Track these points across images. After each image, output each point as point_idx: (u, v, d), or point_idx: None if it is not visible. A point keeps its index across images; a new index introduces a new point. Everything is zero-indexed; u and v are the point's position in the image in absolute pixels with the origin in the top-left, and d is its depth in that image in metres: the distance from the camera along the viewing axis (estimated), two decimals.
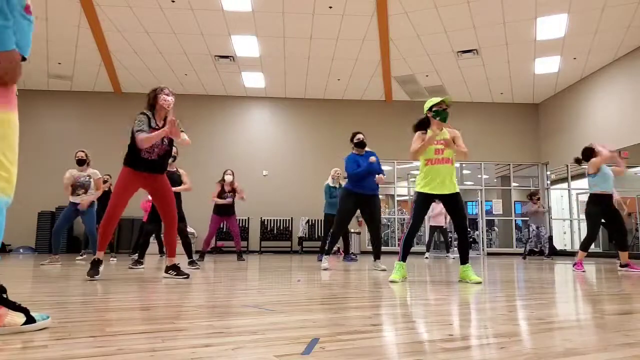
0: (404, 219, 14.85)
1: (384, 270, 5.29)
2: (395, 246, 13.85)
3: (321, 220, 11.11)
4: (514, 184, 14.40)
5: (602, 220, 5.78)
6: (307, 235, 12.87)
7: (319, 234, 12.67)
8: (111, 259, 7.52)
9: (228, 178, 7.55)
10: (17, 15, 1.57)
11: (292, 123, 13.88)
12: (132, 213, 9.74)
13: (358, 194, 5.45)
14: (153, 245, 8.29)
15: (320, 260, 7.79)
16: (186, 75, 12.55)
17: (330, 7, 9.62)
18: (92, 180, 6.66)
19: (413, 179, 14.96)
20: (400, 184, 13.97)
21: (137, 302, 2.49)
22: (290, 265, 6.32)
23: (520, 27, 10.04)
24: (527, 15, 9.63)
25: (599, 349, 1.44)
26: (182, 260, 6.07)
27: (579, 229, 13.21)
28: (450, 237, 11.30)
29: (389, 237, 16.08)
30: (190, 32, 10.54)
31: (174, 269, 4.10)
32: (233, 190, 7.57)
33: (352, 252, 8.79)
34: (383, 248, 14.53)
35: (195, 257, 6.20)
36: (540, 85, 12.84)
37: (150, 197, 4.40)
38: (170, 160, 5.84)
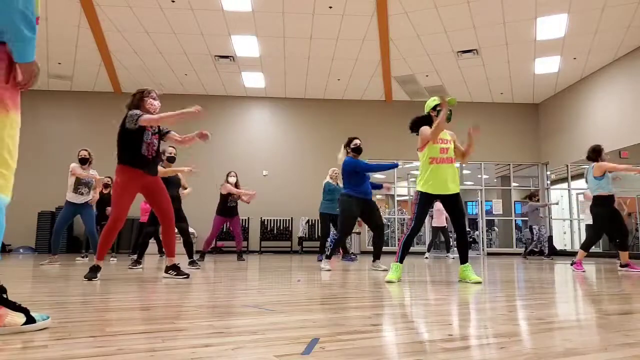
0: (404, 219, 14.85)
1: (385, 270, 5.29)
2: (395, 246, 13.83)
3: None
4: (514, 184, 14.40)
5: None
6: (307, 235, 12.87)
7: (319, 234, 12.65)
8: (111, 259, 7.52)
9: (232, 180, 7.53)
10: None
11: (292, 123, 13.88)
12: (132, 213, 9.70)
13: (360, 199, 5.46)
14: (152, 246, 8.29)
15: (321, 260, 7.81)
16: (186, 75, 12.55)
17: (330, 7, 9.62)
18: (94, 179, 6.68)
19: (413, 179, 14.97)
20: (400, 184, 13.97)
21: (137, 302, 2.49)
22: (290, 265, 6.32)
23: (520, 27, 10.04)
24: (527, 15, 9.63)
25: (599, 349, 1.44)
26: (182, 260, 6.07)
27: (579, 229, 13.20)
28: (451, 237, 11.30)
29: (389, 237, 16.08)
30: (190, 32, 10.54)
31: (174, 268, 4.09)
32: None
33: (351, 252, 8.80)
34: (385, 248, 14.50)
35: (195, 257, 6.20)
36: (540, 85, 12.84)
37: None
38: (169, 162, 5.84)
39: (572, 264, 5.73)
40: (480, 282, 3.77)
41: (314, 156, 13.18)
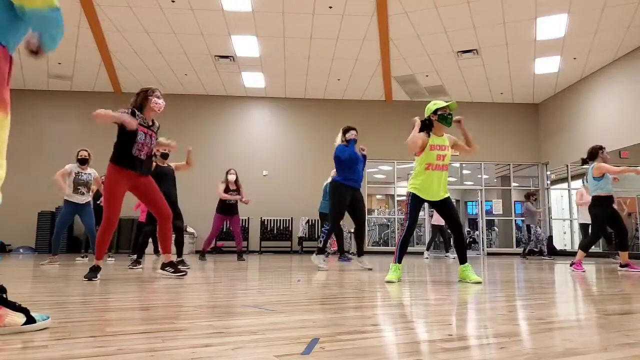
0: (403, 219, 14.84)
1: (370, 269, 5.34)
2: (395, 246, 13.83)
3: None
4: (514, 184, 14.40)
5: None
6: (307, 235, 12.87)
7: (319, 234, 12.66)
8: (109, 258, 7.49)
9: (231, 178, 7.53)
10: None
11: (292, 123, 13.88)
12: (133, 213, 9.75)
13: (349, 187, 5.48)
14: (150, 245, 8.28)
15: (323, 261, 7.80)
16: (186, 75, 12.55)
17: (330, 7, 9.62)
18: (92, 178, 6.67)
19: None
20: (400, 184, 13.96)
21: (137, 302, 2.49)
22: (290, 265, 6.32)
23: (520, 27, 10.05)
24: (527, 15, 9.63)
25: (599, 349, 1.44)
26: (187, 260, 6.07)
27: (579, 229, 13.20)
28: (450, 237, 11.30)
29: (389, 237, 16.09)
30: (190, 32, 10.54)
31: (171, 265, 4.08)
32: (237, 189, 7.56)
33: (347, 251, 8.79)
34: (384, 248, 14.57)
35: (196, 256, 6.19)
36: (540, 85, 12.84)
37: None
38: (162, 159, 5.84)
39: (571, 265, 5.73)
40: (480, 282, 3.77)
41: (314, 156, 13.18)
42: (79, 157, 6.63)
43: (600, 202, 5.67)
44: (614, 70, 11.24)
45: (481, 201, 13.84)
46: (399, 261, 3.98)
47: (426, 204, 4.26)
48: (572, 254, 10.62)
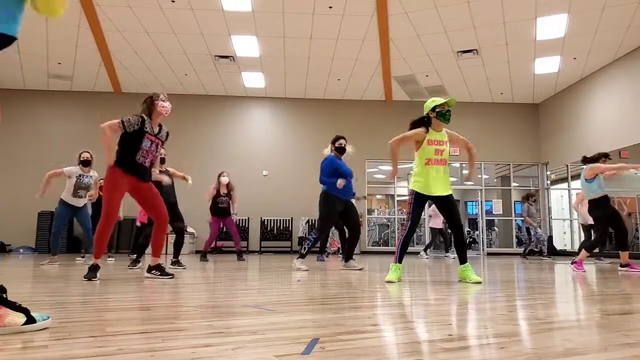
0: (404, 219, 14.84)
1: (361, 269, 5.35)
2: (395, 246, 13.84)
3: None
4: (514, 184, 14.40)
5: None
6: (307, 235, 12.87)
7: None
8: (108, 258, 7.49)
9: (224, 180, 7.52)
10: None
11: (292, 123, 13.88)
12: (133, 213, 9.74)
13: (341, 199, 5.53)
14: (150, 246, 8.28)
15: (322, 261, 7.81)
16: (186, 75, 12.55)
17: (330, 7, 9.62)
18: (93, 180, 6.67)
19: None
20: (400, 184, 13.96)
21: (137, 302, 2.49)
22: (290, 266, 6.32)
23: (520, 27, 10.04)
24: (527, 15, 9.63)
25: (599, 349, 1.44)
26: (183, 259, 6.07)
27: (579, 229, 13.20)
28: (450, 237, 11.30)
29: (389, 237, 16.09)
30: (190, 32, 10.54)
31: (158, 268, 4.09)
32: (228, 194, 7.54)
33: (326, 252, 8.85)
34: (385, 248, 14.54)
35: (197, 257, 6.20)
36: (540, 85, 12.84)
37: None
38: (159, 164, 5.83)
39: (572, 263, 5.73)
40: (480, 282, 3.77)
41: (314, 156, 13.11)
42: (82, 159, 6.59)
43: (597, 204, 5.69)
44: (614, 70, 11.24)
45: (481, 201, 13.84)
46: (399, 261, 3.98)
47: (426, 205, 4.28)
48: (572, 254, 10.62)
